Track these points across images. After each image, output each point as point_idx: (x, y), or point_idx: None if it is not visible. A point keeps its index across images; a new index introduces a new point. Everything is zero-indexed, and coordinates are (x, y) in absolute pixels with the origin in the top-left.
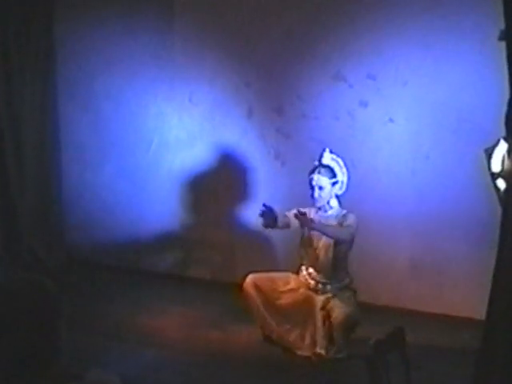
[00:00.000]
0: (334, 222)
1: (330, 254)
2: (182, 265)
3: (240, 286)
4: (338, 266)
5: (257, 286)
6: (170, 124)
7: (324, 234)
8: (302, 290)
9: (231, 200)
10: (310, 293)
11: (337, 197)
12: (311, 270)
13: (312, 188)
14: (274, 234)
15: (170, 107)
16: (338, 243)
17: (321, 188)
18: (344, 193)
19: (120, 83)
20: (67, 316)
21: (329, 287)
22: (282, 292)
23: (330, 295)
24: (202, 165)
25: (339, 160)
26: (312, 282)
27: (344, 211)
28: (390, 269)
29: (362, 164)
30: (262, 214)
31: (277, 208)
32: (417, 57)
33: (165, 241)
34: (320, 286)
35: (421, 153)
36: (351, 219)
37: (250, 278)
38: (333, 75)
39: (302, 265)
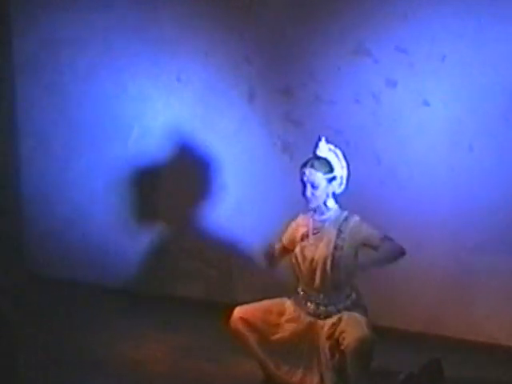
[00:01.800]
0: (332, 229)
1: (329, 267)
2: (168, 281)
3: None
4: (340, 280)
5: (247, 322)
6: (154, 109)
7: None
8: (301, 318)
9: (229, 202)
10: (312, 319)
11: (334, 196)
12: (309, 290)
13: (304, 185)
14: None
15: (154, 88)
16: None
17: (314, 185)
18: (345, 192)
19: (92, 60)
20: (28, 344)
21: (333, 309)
22: (278, 324)
23: (335, 319)
24: (194, 158)
25: (338, 151)
26: (311, 306)
27: (345, 213)
28: (424, 287)
29: (389, 158)
30: (267, 255)
31: (284, 212)
32: (457, 25)
33: (148, 252)
34: (321, 308)
35: (462, 144)
36: (357, 223)
37: (237, 313)
38: (353, 48)
39: (297, 285)
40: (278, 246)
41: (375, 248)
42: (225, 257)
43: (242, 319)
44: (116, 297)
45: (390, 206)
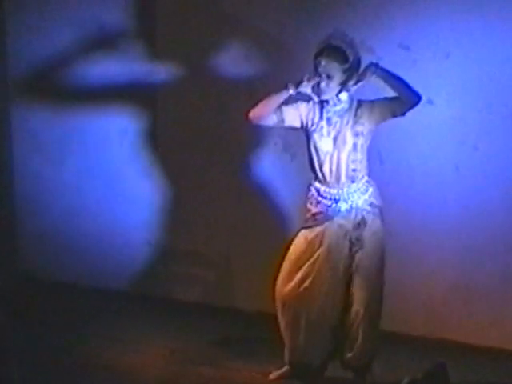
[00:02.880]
0: (348, 118)
1: (352, 157)
2: (165, 284)
3: (239, 311)
4: (360, 170)
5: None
6: (149, 108)
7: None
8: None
9: (227, 203)
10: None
11: (347, 88)
12: (324, 185)
13: (319, 76)
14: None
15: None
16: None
17: (329, 76)
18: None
19: (88, 46)
20: (21, 348)
21: (353, 204)
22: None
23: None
24: (191, 158)
25: (352, 40)
26: (329, 203)
27: (356, 100)
28: (429, 290)
29: (392, 158)
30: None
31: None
32: (462, 22)
33: (144, 254)
34: (341, 204)
35: (467, 143)
36: (370, 103)
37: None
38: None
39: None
40: (275, 114)
41: (396, 112)
42: (224, 259)
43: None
44: (111, 299)
45: (392, 207)
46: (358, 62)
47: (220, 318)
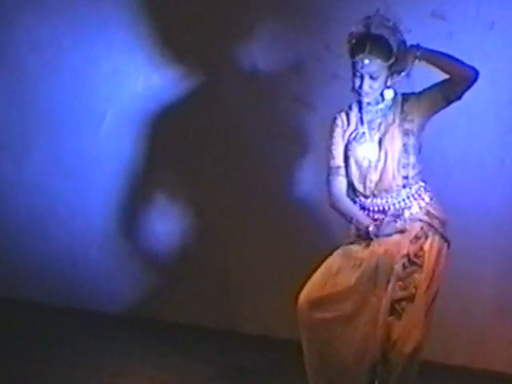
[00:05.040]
0: (394, 116)
1: (402, 160)
2: (153, 304)
3: (241, 334)
4: (410, 173)
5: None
6: (131, 89)
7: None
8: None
9: (226, 202)
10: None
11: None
12: (370, 197)
13: (360, 77)
14: (288, 255)
15: (131, 63)
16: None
17: (373, 76)
18: None
19: (54, 28)
20: None
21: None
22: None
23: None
24: (181, 149)
25: (395, 26)
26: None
27: (400, 94)
28: (466, 313)
29: (425, 150)
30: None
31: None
32: None
33: (124, 265)
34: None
35: None
36: (417, 96)
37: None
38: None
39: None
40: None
41: (451, 96)
42: (222, 276)
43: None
44: (85, 321)
45: None
46: (404, 50)
47: (220, 343)
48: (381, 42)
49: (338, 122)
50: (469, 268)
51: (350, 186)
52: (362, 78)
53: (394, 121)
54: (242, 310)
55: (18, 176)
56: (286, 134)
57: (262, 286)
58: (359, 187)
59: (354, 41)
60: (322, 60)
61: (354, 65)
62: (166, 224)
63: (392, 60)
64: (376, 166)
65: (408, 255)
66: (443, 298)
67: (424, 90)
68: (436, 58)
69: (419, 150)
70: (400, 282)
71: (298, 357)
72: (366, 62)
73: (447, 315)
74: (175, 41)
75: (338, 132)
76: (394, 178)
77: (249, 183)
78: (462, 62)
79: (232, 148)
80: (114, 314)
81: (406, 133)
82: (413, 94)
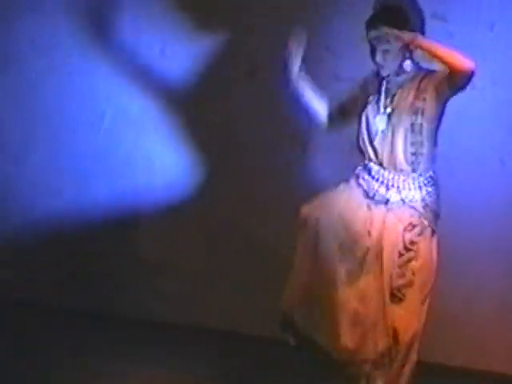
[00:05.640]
0: (409, 90)
1: (408, 139)
2: (149, 304)
3: (240, 335)
4: (417, 156)
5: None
6: (130, 89)
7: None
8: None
9: (226, 203)
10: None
11: (411, 56)
12: (377, 166)
13: (373, 49)
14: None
15: (130, 63)
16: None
17: (386, 50)
18: None
19: (52, 24)
20: None
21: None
22: None
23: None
24: (180, 149)
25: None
26: (380, 188)
27: (424, 68)
28: (469, 314)
29: None
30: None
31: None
32: None
33: (123, 266)
34: (392, 188)
35: None
36: (435, 72)
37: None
38: None
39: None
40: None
41: (452, 87)
42: (222, 276)
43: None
44: (81, 320)
45: None
46: (423, 22)
47: (218, 343)
48: (391, 11)
49: (363, 81)
50: (470, 268)
51: (358, 147)
52: (374, 49)
53: (407, 95)
54: (240, 311)
55: (18, 174)
56: (286, 136)
57: (260, 285)
58: (369, 150)
59: (371, 16)
60: (322, 61)
61: (368, 37)
62: (165, 224)
63: (408, 29)
64: (383, 137)
65: (404, 242)
66: (444, 298)
67: (440, 71)
68: (431, 47)
69: (435, 141)
70: (397, 270)
71: (297, 358)
72: (373, 32)
73: (448, 316)
74: (174, 41)
75: (357, 88)
76: (403, 151)
77: (248, 184)
78: (457, 55)
79: (230, 149)
80: (111, 314)
81: (415, 111)
82: (433, 71)
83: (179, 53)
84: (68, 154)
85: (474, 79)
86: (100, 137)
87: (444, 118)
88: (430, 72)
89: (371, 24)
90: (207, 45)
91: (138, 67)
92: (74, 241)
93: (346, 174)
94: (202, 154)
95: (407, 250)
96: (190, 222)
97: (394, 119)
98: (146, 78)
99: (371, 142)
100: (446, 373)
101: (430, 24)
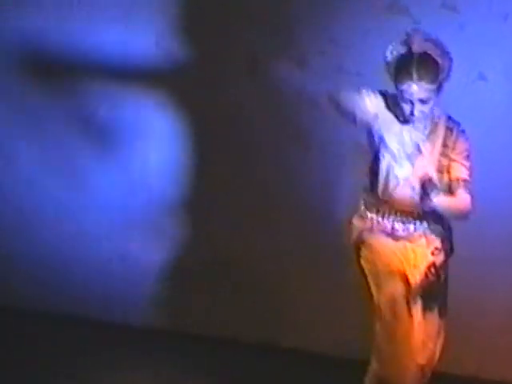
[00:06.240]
0: (435, 143)
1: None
2: (155, 315)
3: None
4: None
5: None
6: (125, 87)
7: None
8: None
9: (226, 202)
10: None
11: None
12: (387, 210)
13: (410, 103)
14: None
15: (128, 59)
16: None
17: (423, 100)
18: None
19: (47, 23)
20: None
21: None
22: None
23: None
24: (181, 147)
25: (438, 41)
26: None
27: (449, 120)
28: (476, 322)
29: None
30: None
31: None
32: None
33: (127, 274)
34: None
35: None
36: (460, 137)
37: None
38: (387, 5)
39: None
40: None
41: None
42: (223, 275)
43: None
44: (73, 327)
45: None
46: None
47: (218, 351)
48: (427, 62)
49: (373, 95)
50: (480, 275)
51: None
52: (412, 103)
53: (434, 148)
54: (242, 319)
55: (7, 175)
56: (288, 130)
57: (263, 292)
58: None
59: (395, 64)
60: (326, 53)
61: (401, 92)
62: (165, 224)
63: (441, 77)
64: (400, 183)
65: (435, 265)
66: (454, 307)
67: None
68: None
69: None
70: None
71: (299, 366)
72: (415, 88)
73: (458, 324)
74: (173, 35)
75: (367, 100)
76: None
77: (252, 179)
78: (465, 210)
79: (232, 144)
80: (108, 321)
81: (440, 169)
82: (462, 133)
83: (174, 47)
84: (62, 150)
85: (486, 72)
86: (94, 134)
87: (455, 110)
88: (454, 127)
89: (407, 74)
90: (205, 40)
91: (133, 62)
92: (62, 242)
93: (346, 174)
94: (200, 151)
95: (436, 274)
96: (190, 221)
97: (416, 170)
98: (140, 74)
99: (387, 183)
100: (457, 382)
101: (440, 14)
